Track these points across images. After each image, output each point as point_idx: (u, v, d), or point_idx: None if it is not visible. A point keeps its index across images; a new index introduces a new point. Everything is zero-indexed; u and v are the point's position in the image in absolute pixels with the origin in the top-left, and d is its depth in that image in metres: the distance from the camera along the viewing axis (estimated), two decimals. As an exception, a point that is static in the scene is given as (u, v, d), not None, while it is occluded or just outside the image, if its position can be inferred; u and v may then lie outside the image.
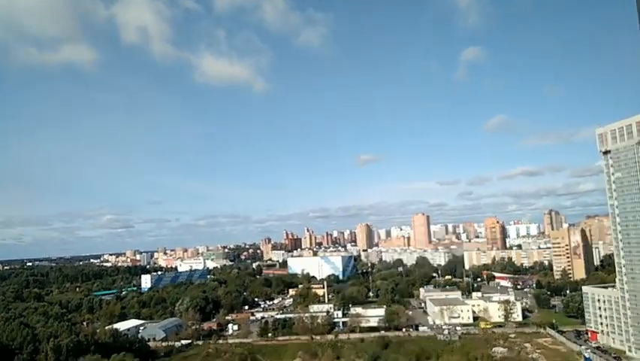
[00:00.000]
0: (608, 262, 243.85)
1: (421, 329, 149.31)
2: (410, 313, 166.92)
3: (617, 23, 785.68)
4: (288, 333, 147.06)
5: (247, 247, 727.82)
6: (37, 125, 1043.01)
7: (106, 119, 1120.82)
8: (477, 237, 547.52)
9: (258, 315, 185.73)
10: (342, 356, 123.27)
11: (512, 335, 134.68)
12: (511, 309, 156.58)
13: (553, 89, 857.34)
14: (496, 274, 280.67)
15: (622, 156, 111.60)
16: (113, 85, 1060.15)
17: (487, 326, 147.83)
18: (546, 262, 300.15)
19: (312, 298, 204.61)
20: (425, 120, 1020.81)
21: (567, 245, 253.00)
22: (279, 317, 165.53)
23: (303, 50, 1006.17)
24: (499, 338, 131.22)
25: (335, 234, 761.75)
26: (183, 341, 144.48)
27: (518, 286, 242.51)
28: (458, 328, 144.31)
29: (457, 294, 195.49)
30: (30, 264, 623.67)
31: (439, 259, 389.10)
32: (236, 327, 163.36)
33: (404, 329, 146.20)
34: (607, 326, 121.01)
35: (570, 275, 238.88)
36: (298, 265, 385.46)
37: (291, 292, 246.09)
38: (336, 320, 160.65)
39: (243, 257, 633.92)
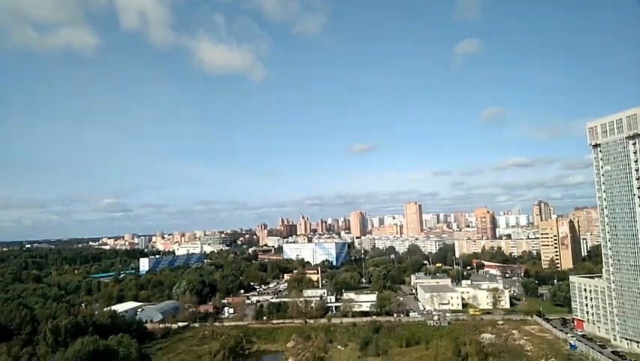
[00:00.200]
0: (595, 253, 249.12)
1: (411, 314, 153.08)
2: (401, 299, 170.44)
3: (611, 18, 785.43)
4: (283, 317, 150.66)
5: (243, 232, 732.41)
6: (36, 109, 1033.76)
7: (105, 103, 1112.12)
8: (468, 226, 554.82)
9: (254, 299, 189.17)
10: (334, 340, 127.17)
11: (500, 322, 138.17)
12: (499, 297, 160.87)
13: (547, 82, 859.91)
14: (486, 263, 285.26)
15: (611, 150, 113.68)
16: (112, 69, 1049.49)
17: (476, 313, 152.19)
18: (535, 252, 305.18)
19: (307, 283, 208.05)
20: (420, 111, 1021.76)
21: (555, 236, 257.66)
22: (273, 300, 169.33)
23: (302, 37, 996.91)
24: (487, 325, 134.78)
25: (329, 221, 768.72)
26: (180, 324, 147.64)
27: (507, 275, 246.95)
28: (448, 314, 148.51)
29: (447, 281, 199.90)
30: (29, 246, 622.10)
31: (430, 247, 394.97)
32: (232, 310, 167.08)
33: (395, 315, 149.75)
34: (593, 314, 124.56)
35: (558, 265, 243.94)
36: (293, 250, 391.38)
37: (286, 277, 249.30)
38: (329, 304, 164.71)
39: (239, 242, 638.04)
